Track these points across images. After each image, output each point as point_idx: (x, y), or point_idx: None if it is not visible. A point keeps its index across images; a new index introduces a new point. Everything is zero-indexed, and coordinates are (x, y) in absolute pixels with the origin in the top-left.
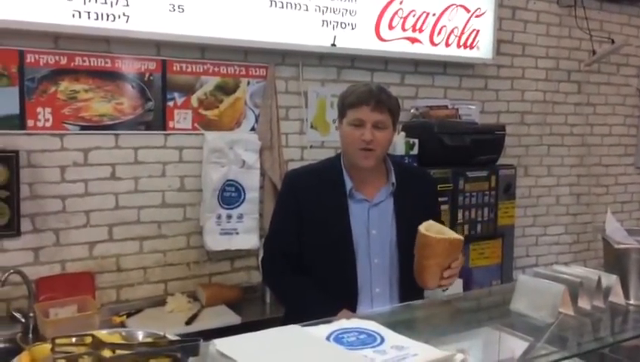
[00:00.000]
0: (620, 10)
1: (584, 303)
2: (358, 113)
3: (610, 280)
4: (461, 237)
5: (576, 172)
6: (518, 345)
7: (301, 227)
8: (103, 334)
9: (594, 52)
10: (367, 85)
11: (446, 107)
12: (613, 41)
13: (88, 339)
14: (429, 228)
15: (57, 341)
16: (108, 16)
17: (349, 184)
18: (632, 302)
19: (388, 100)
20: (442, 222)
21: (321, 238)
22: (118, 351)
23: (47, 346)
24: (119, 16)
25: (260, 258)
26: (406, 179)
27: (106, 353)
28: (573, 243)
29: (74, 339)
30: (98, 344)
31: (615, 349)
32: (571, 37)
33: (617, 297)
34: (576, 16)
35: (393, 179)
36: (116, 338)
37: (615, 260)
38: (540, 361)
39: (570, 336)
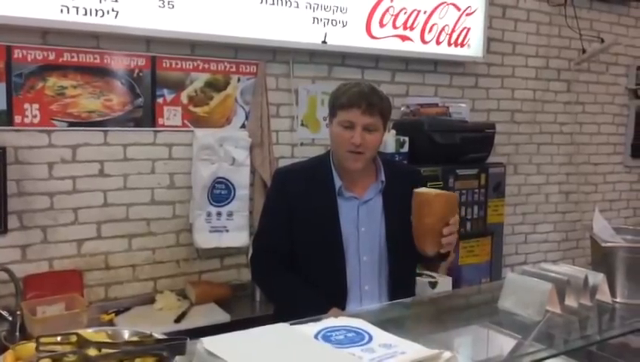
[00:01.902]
0: (609, 10)
1: (571, 301)
2: (349, 115)
3: (597, 278)
4: (455, 194)
5: (565, 170)
6: (506, 343)
7: (290, 225)
8: (88, 333)
9: (584, 51)
10: (359, 86)
11: (436, 105)
12: (602, 40)
13: (73, 338)
14: (424, 189)
15: (42, 340)
16: (97, 11)
17: (338, 182)
18: (618, 300)
19: (379, 103)
20: None
21: (311, 236)
22: (104, 350)
23: (32, 345)
24: (108, 12)
25: (249, 255)
26: (395, 177)
27: (92, 352)
28: (562, 241)
29: (59, 338)
30: (83, 343)
31: (602, 347)
32: (561, 36)
33: (604, 295)
34: (566, 15)
35: (382, 177)
36: (102, 337)
37: (602, 258)
38: (528, 359)
39: (557, 334)
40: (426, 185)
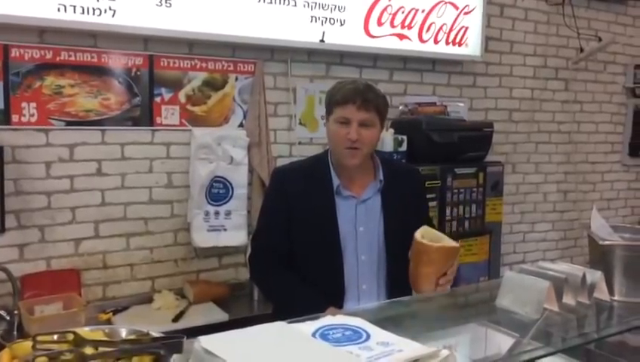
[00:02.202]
0: (607, 9)
1: (569, 299)
2: (344, 111)
3: (595, 276)
4: (457, 245)
5: (563, 169)
6: (504, 341)
7: (288, 224)
8: (85, 331)
9: (581, 50)
10: (354, 83)
11: (434, 104)
12: (600, 39)
13: (70, 336)
14: (425, 235)
15: (39, 338)
16: (94, 10)
17: (336, 181)
18: (616, 298)
19: (374, 98)
20: (430, 219)
21: (309, 235)
22: (101, 349)
23: (29, 343)
24: (105, 11)
25: (247, 254)
26: (394, 176)
27: (88, 350)
28: (560, 239)
29: (55, 336)
30: (80, 341)
31: (599, 345)
32: (559, 35)
33: (602, 293)
34: (564, 14)
35: (381, 176)
36: (99, 336)
37: (600, 256)
38: (526, 357)
39: (555, 332)
40: (424, 185)
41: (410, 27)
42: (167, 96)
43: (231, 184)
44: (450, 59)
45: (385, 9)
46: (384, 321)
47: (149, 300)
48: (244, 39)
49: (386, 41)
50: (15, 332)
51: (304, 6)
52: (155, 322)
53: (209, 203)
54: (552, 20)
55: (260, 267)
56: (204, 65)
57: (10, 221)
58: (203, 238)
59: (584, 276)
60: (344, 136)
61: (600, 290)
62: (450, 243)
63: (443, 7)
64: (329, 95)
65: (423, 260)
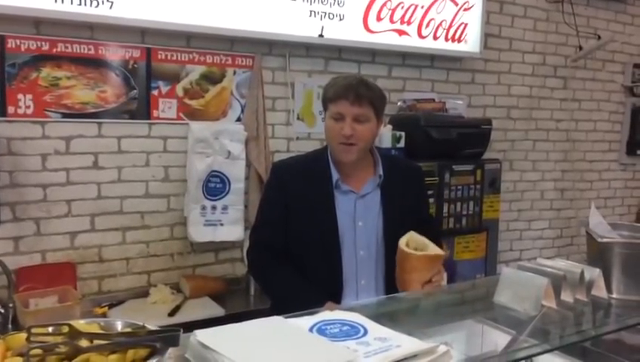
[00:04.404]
0: (606, 7)
1: (567, 296)
2: (338, 107)
3: (593, 273)
4: (441, 253)
5: (560, 167)
6: (500, 338)
7: (287, 218)
8: (80, 324)
9: (580, 48)
10: (348, 78)
11: (433, 100)
12: (599, 38)
13: (65, 329)
14: (410, 241)
15: (33, 330)
16: (91, 1)
17: (335, 175)
18: (614, 295)
19: (368, 93)
20: (431, 216)
21: (307, 230)
22: (96, 341)
23: (23, 335)
24: (103, 2)
25: (244, 249)
26: (394, 172)
27: (83, 343)
28: (557, 237)
29: (50, 329)
30: (75, 333)
31: (597, 342)
32: (558, 32)
33: (600, 291)
34: (563, 11)
35: (380, 171)
36: (94, 328)
37: (598, 254)
38: (523, 354)
39: (552, 329)
40: (424, 181)
41: (409, 23)
42: (164, 89)
43: (228, 178)
44: (449, 55)
45: (384, 4)
46: (382, 317)
47: (144, 294)
48: (243, 33)
49: (385, 37)
50: (10, 326)
51: (303, 0)
52: (150, 316)
53: (206, 197)
54: (552, 18)
55: (258, 261)
56: (202, 58)
57: (5, 213)
58: (199, 233)
59: (582, 273)
60: (338, 132)
61: (598, 288)
62: (434, 251)
63: (442, 3)
64: (324, 91)
65: (407, 267)
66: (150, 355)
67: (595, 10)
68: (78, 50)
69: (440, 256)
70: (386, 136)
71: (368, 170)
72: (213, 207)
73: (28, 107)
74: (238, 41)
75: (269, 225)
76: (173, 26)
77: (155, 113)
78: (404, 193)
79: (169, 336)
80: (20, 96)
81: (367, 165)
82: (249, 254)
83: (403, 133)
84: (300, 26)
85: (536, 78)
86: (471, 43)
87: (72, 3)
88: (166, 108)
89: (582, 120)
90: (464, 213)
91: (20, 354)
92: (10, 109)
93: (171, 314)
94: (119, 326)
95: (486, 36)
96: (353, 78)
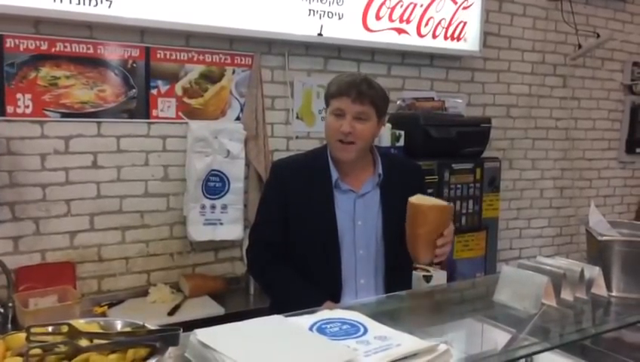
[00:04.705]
0: (605, 5)
1: (567, 294)
2: (339, 103)
3: (593, 271)
4: (450, 204)
5: (560, 165)
6: (500, 337)
7: (287, 217)
8: (80, 323)
9: (579, 46)
10: (352, 75)
11: (432, 99)
12: (598, 36)
13: (65, 328)
14: (419, 199)
15: (33, 330)
16: (90, 1)
17: (334, 174)
18: (614, 293)
19: (370, 91)
20: None
21: (307, 229)
22: (96, 341)
23: (22, 335)
24: (102, 1)
25: (244, 248)
26: (393, 171)
27: (83, 342)
28: (556, 236)
29: (50, 328)
30: (75, 333)
31: (597, 341)
32: (557, 31)
33: (600, 289)
34: (562, 9)
35: (380, 170)
36: (94, 328)
37: (598, 252)
38: (523, 352)
39: (552, 328)
40: (424, 181)
41: (408, 21)
42: (163, 88)
43: (227, 178)
44: (449, 54)
45: (383, 3)
46: (382, 315)
47: (144, 294)
48: (242, 32)
49: (384, 36)
50: (9, 326)
51: None
52: (150, 315)
53: (205, 196)
54: (551, 16)
55: (258, 260)
56: (201, 57)
57: (4, 213)
58: (199, 232)
59: (582, 271)
60: (337, 129)
61: (598, 286)
62: (443, 203)
63: (442, 1)
64: (327, 87)
65: (419, 221)
66: (150, 355)
67: (594, 9)
68: (77, 50)
69: (450, 208)
70: (385, 134)
71: (368, 169)
72: (213, 206)
73: (27, 107)
74: (237, 40)
75: (269, 223)
76: (172, 25)
77: (154, 112)
78: (403, 192)
79: (169, 336)
80: (19, 95)
81: (367, 164)
82: (248, 253)
83: (402, 132)
84: (299, 25)
85: (536, 76)
86: (470, 41)
87: (70, 2)
88: (165, 107)
89: (581, 118)
90: (464, 211)
91: (20, 354)
92: (9, 109)
93: (171, 313)
94: (119, 325)
95: (485, 35)
96: (357, 76)
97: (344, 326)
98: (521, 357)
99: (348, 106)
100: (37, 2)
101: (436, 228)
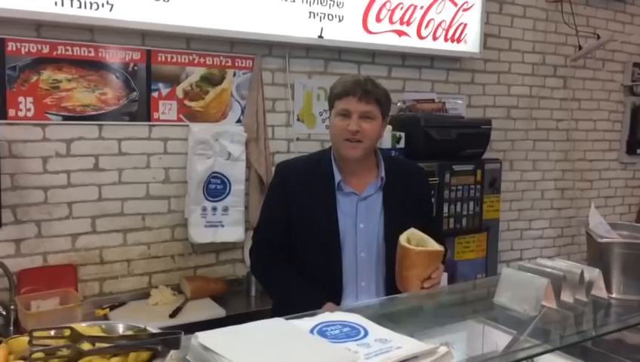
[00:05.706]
0: (605, 6)
1: (567, 297)
2: (345, 103)
3: (593, 273)
4: (441, 249)
5: (560, 167)
6: (501, 339)
7: (290, 218)
8: (82, 327)
9: (580, 47)
10: (356, 76)
11: (433, 101)
12: (598, 37)
13: (67, 332)
14: (410, 238)
15: (35, 333)
16: (91, 4)
17: (337, 177)
18: (614, 295)
19: (375, 91)
20: (435, 219)
21: (309, 230)
22: (98, 344)
23: (25, 339)
24: (103, 5)
25: (245, 250)
26: (396, 174)
27: (85, 346)
28: (558, 237)
29: (52, 332)
30: (77, 337)
31: (597, 342)
32: (557, 32)
33: (600, 291)
34: (562, 11)
35: (382, 173)
36: (96, 331)
37: (598, 254)
38: (523, 354)
39: (552, 330)
40: (428, 184)
41: (408, 23)
42: (164, 91)
43: (228, 180)
44: (449, 55)
45: (383, 5)
46: (382, 318)
47: (146, 296)
48: (243, 34)
49: (384, 38)
50: (11, 328)
51: (302, 1)
52: (152, 318)
53: (206, 199)
54: (551, 18)
55: (260, 260)
56: (201, 60)
57: (6, 216)
58: (200, 234)
59: (582, 273)
60: (344, 128)
61: (598, 288)
62: (433, 246)
63: (442, 3)
64: (331, 89)
65: (406, 263)
66: (152, 358)
67: (595, 10)
68: (79, 53)
69: (439, 252)
70: (386, 136)
71: (371, 172)
72: (214, 209)
73: (29, 110)
74: (237, 43)
75: (272, 224)
76: (173, 28)
77: (155, 115)
78: (405, 195)
79: (170, 339)
80: (21, 98)
81: (370, 167)
82: (251, 253)
83: (403, 134)
84: (300, 27)
85: (536, 77)
86: (470, 43)
87: (72, 6)
88: (166, 110)
89: (582, 119)
90: (464, 213)
91: (23, 358)
92: (11, 112)
93: (172, 315)
94: (121, 328)
95: (485, 36)
96: (361, 77)
97: (345, 329)
98: (522, 359)
99: (354, 106)
100: (38, 6)
101: (423, 271)
